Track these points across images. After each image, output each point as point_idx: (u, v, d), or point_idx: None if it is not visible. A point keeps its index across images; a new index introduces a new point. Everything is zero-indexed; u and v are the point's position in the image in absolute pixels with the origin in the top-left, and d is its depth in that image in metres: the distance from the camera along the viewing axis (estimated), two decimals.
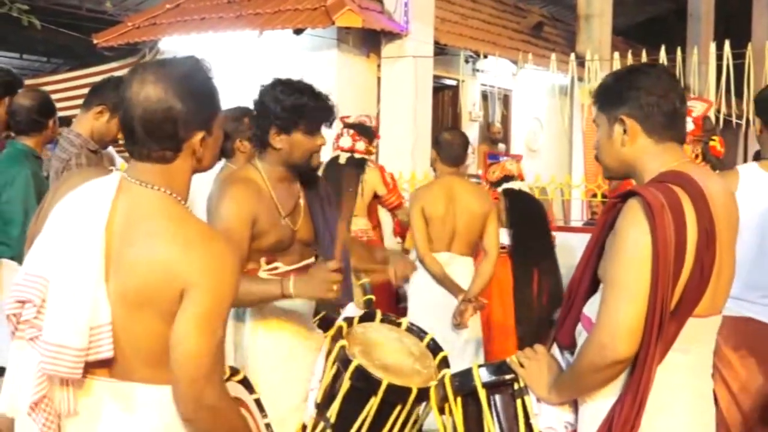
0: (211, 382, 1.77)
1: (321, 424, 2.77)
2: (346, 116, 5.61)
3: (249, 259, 2.89)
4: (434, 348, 2.94)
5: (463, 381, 2.22)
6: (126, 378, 1.83)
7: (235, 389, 2.34)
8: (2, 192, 3.81)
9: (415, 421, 2.85)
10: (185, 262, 1.74)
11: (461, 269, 4.61)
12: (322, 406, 2.78)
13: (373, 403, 2.68)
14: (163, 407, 1.83)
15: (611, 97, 2.09)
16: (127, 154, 1.92)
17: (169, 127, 1.79)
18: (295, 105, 2.85)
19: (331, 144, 5.41)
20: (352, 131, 5.44)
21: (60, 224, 1.83)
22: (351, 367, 2.68)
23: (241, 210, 2.81)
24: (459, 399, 2.22)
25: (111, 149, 4.11)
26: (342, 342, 2.75)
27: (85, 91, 3.87)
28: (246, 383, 2.41)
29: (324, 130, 2.98)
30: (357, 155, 5.43)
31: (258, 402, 2.42)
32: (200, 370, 1.75)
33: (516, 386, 2.15)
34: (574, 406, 2.09)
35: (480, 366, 2.21)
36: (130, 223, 1.79)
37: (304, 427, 2.86)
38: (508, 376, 2.17)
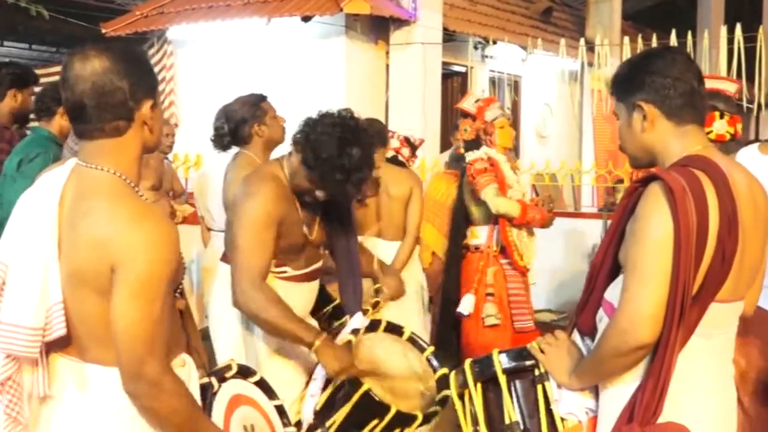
0: (151, 356, 1.80)
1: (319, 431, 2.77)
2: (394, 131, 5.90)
3: None
4: (433, 363, 2.98)
5: (484, 367, 2.21)
6: (82, 357, 1.88)
7: (245, 389, 2.33)
8: (20, 165, 3.90)
9: None
10: (114, 240, 1.78)
11: (388, 254, 4.59)
12: (321, 415, 2.77)
13: (376, 425, 2.70)
14: (115, 389, 1.86)
15: (627, 84, 2.08)
16: None
17: (120, 95, 1.84)
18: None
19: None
20: (402, 136, 5.68)
21: (20, 212, 1.90)
22: (360, 390, 2.69)
23: (273, 209, 2.81)
24: (479, 385, 2.21)
25: None
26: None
27: None
28: (264, 387, 2.40)
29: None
30: (400, 158, 5.65)
31: (280, 409, 2.41)
32: (137, 345, 1.78)
33: (536, 372, 2.15)
34: (595, 391, 2.08)
35: (500, 352, 2.20)
36: (74, 204, 1.85)
37: (299, 423, 2.85)
38: (528, 362, 2.17)
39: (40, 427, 1.89)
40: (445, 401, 2.84)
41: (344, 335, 2.91)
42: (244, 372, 2.36)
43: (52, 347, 1.86)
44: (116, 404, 1.86)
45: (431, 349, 3.00)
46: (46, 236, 1.83)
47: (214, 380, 2.18)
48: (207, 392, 2.13)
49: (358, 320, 2.98)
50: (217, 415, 2.12)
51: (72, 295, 1.83)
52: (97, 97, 1.82)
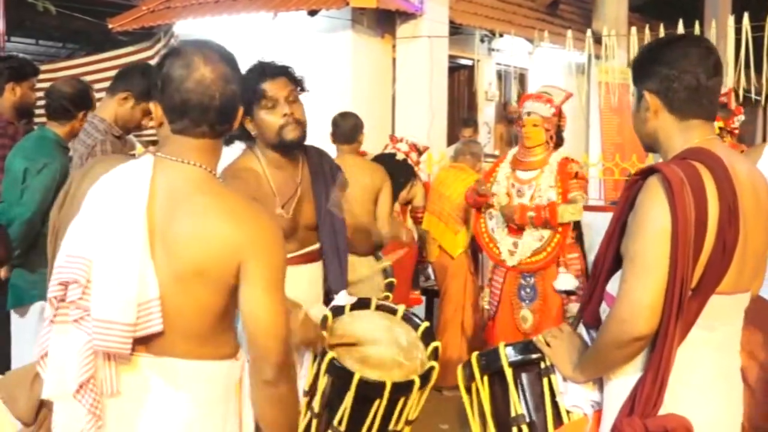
0: (289, 346, 1.87)
1: (308, 413, 2.73)
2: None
3: None
4: (428, 337, 2.87)
5: (490, 360, 2.22)
6: (170, 354, 1.87)
7: None
8: (26, 176, 3.80)
9: (402, 413, 2.75)
10: (239, 236, 1.83)
11: None
12: (309, 395, 2.74)
13: (379, 405, 2.64)
14: (208, 383, 1.89)
15: (639, 70, 2.08)
16: (144, 140, 1.96)
17: (238, 102, 1.92)
18: (247, 83, 2.76)
19: (388, 139, 5.96)
20: (410, 142, 5.81)
21: (98, 207, 1.88)
22: (326, 360, 2.64)
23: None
24: (485, 378, 2.23)
25: (131, 135, 4.12)
26: (323, 332, 2.72)
27: (101, 76, 3.87)
28: None
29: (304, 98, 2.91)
30: (409, 161, 5.79)
31: None
32: (279, 335, 1.84)
33: (542, 365, 2.16)
34: (600, 385, 2.09)
35: (507, 345, 2.22)
36: (172, 200, 1.85)
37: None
38: (534, 355, 2.18)
39: (112, 424, 1.88)
40: (436, 355, 2.78)
41: (319, 311, 2.86)
42: None
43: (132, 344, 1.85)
44: (206, 397, 1.89)
45: (425, 324, 2.91)
46: (137, 232, 1.82)
47: None
48: None
49: (341, 298, 2.96)
50: None
51: (174, 290, 1.83)
52: (224, 102, 1.87)
